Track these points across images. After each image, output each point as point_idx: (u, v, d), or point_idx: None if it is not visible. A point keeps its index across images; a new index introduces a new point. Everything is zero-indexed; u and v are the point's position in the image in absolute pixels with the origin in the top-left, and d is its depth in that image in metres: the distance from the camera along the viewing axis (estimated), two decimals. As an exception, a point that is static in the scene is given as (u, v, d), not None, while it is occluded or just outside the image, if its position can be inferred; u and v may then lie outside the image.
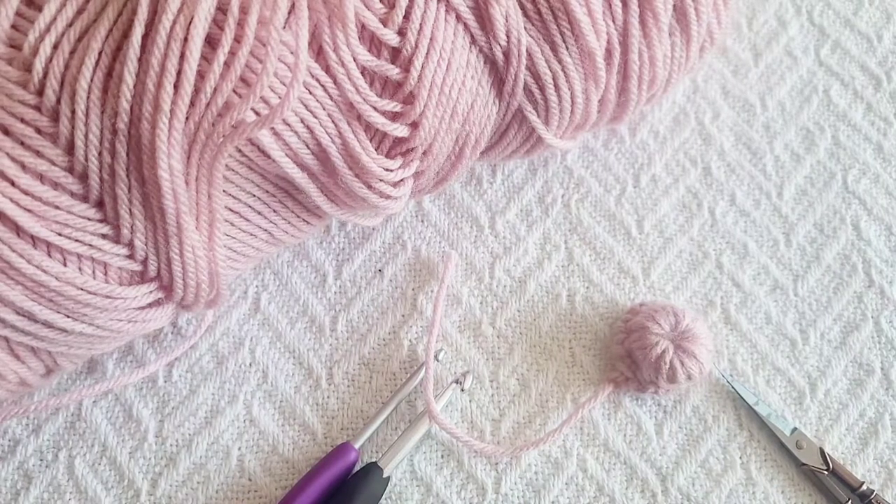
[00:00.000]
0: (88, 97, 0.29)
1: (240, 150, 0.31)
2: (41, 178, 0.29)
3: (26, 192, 0.29)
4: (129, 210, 0.30)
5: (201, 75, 0.29)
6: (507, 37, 0.33)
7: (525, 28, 0.34)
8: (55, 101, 0.29)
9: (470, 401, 0.38)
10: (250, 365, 0.39)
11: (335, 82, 0.32)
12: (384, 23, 0.32)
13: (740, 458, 0.37)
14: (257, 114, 0.30)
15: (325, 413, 0.38)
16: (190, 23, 0.29)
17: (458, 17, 0.33)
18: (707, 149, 0.44)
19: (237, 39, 0.29)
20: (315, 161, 0.33)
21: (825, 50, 0.47)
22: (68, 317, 0.31)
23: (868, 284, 0.41)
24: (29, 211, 0.29)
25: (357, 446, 0.36)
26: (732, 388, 0.38)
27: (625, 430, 0.38)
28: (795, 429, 0.38)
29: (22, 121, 0.29)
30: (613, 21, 0.35)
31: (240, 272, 0.37)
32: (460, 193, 0.43)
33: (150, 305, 0.33)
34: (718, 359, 0.39)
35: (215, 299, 0.35)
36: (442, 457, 0.37)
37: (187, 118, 0.29)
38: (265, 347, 0.39)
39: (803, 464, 0.37)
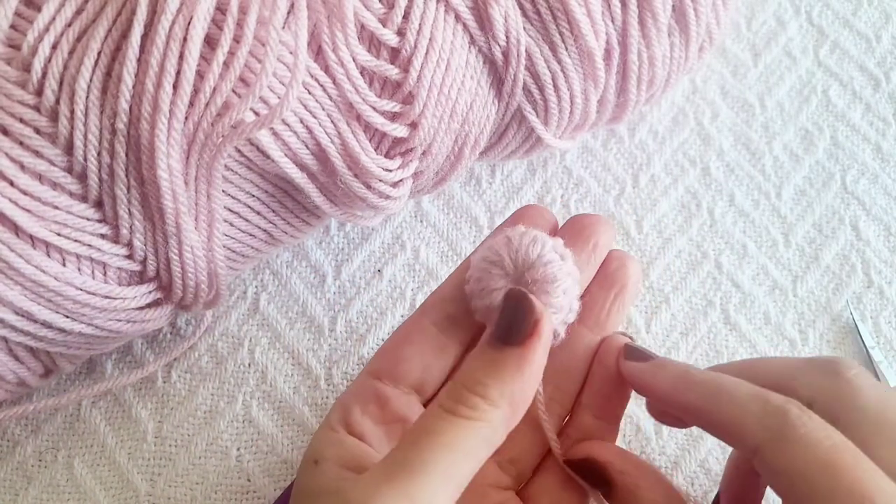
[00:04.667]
0: (87, 97, 0.29)
1: (239, 151, 0.31)
2: (40, 178, 0.29)
3: (25, 192, 0.29)
4: (128, 210, 0.30)
5: (200, 75, 0.29)
6: (507, 37, 0.33)
7: (524, 28, 0.34)
8: (54, 101, 0.29)
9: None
10: (249, 365, 0.39)
11: (334, 82, 0.32)
12: (383, 23, 0.32)
13: (739, 458, 0.37)
14: (256, 114, 0.30)
15: (323, 413, 0.38)
16: (189, 23, 0.29)
17: (458, 17, 0.33)
18: (706, 149, 0.44)
19: (236, 39, 0.29)
20: (314, 161, 0.33)
21: (824, 50, 0.47)
22: (67, 317, 0.31)
23: (867, 285, 0.41)
24: (28, 211, 0.29)
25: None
26: (854, 324, 0.39)
27: (623, 430, 0.38)
28: None
29: (21, 121, 0.29)
30: (612, 21, 0.35)
31: (239, 272, 0.37)
32: (459, 193, 0.43)
33: (148, 306, 0.33)
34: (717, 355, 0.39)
35: (214, 300, 0.35)
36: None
37: (186, 118, 0.29)
38: (264, 348, 0.39)
39: None
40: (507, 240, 0.27)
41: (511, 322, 0.24)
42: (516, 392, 0.23)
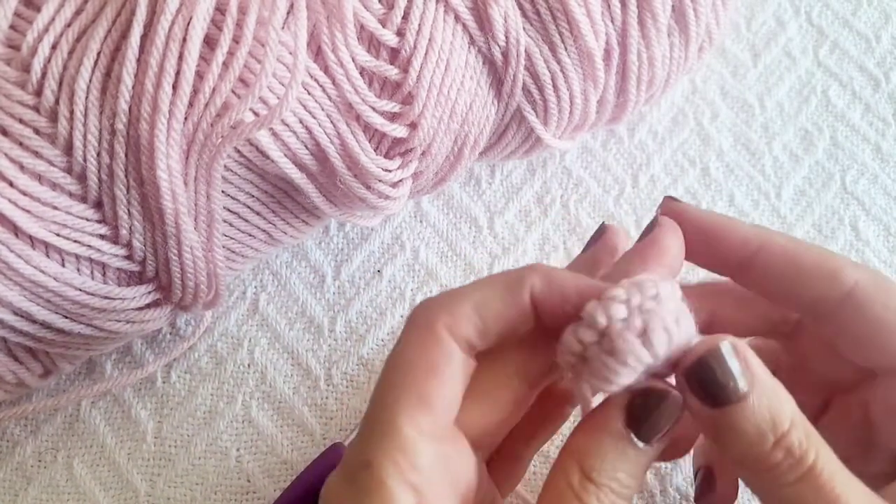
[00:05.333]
0: (87, 98, 0.29)
1: (238, 151, 0.31)
2: (39, 178, 0.29)
3: (25, 193, 0.29)
4: (128, 210, 0.30)
5: (200, 76, 0.29)
6: (506, 37, 0.33)
7: (524, 28, 0.34)
8: (53, 102, 0.29)
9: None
10: (248, 366, 0.39)
11: (334, 83, 0.32)
12: (383, 23, 0.32)
13: (739, 458, 0.37)
14: (256, 114, 0.30)
15: (323, 414, 0.38)
16: (188, 23, 0.29)
17: (457, 18, 0.33)
18: (706, 149, 0.44)
19: (236, 40, 0.29)
20: (314, 161, 0.33)
21: (824, 50, 0.47)
22: (66, 317, 0.31)
23: (866, 285, 0.41)
24: (27, 211, 0.29)
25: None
26: None
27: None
28: None
29: (20, 121, 0.29)
30: (612, 21, 0.35)
31: (238, 273, 0.37)
32: (459, 194, 0.43)
33: (148, 306, 0.33)
34: None
35: (214, 300, 0.35)
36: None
37: (186, 118, 0.29)
38: (263, 348, 0.39)
39: None
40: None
41: (652, 421, 0.23)
42: (640, 478, 0.23)
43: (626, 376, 0.22)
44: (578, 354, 0.23)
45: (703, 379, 0.22)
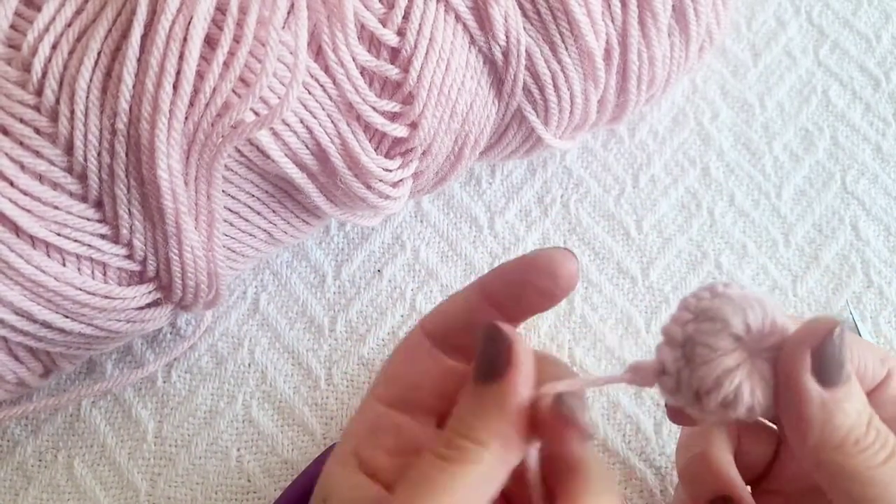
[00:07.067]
0: (87, 97, 0.29)
1: (239, 151, 0.31)
2: (40, 178, 0.29)
3: (25, 192, 0.29)
4: (128, 210, 0.30)
5: (200, 75, 0.29)
6: (507, 37, 0.33)
7: (524, 28, 0.34)
8: (54, 102, 0.29)
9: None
10: (249, 365, 0.39)
11: (334, 82, 0.32)
12: (383, 23, 0.32)
13: (739, 458, 0.37)
14: (256, 114, 0.30)
15: (323, 413, 0.38)
16: (189, 23, 0.29)
17: (458, 17, 0.33)
18: (706, 149, 0.44)
19: (236, 39, 0.29)
20: (314, 161, 0.33)
21: (824, 50, 0.47)
22: (67, 317, 0.31)
23: (867, 285, 0.41)
24: (28, 211, 0.29)
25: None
26: (854, 324, 0.39)
27: (623, 430, 0.38)
28: None
29: (21, 121, 0.29)
30: (612, 21, 0.35)
31: (239, 272, 0.37)
32: (459, 193, 0.43)
33: (148, 305, 0.33)
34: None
35: (214, 300, 0.35)
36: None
37: (186, 118, 0.29)
38: (264, 348, 0.39)
39: None
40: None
41: (489, 357, 0.23)
42: (503, 429, 0.22)
43: (726, 352, 0.22)
44: (681, 344, 0.23)
45: (824, 359, 0.22)
